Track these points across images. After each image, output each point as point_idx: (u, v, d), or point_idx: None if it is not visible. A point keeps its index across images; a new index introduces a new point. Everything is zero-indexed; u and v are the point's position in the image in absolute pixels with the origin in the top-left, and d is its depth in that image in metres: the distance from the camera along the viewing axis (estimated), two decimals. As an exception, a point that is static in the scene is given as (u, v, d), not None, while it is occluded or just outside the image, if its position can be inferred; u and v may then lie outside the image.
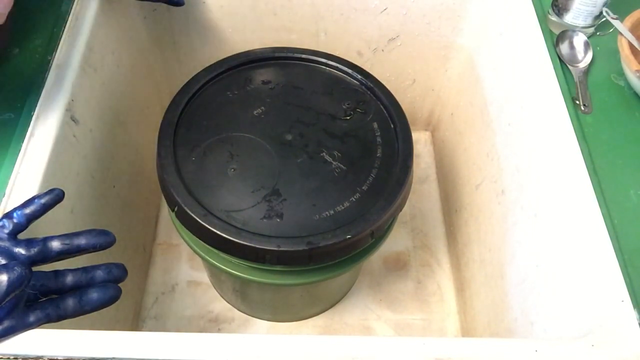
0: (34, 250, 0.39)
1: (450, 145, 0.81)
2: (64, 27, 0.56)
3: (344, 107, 0.57)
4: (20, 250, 0.39)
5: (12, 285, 0.35)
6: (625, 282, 0.42)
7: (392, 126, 0.56)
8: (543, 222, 0.51)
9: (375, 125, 0.56)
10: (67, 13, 0.58)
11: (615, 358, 0.39)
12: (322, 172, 0.52)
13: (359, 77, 0.59)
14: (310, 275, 0.52)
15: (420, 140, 0.91)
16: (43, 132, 0.49)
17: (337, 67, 0.60)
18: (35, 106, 0.50)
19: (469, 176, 0.71)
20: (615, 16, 0.56)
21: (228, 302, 0.75)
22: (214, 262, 0.53)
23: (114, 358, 0.38)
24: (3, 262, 0.38)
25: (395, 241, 0.80)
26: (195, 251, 0.54)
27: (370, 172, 0.52)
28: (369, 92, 0.58)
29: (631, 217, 0.47)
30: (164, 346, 0.39)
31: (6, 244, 0.39)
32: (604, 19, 0.58)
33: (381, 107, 0.57)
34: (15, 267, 0.35)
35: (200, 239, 0.49)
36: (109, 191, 0.62)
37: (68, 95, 0.52)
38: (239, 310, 0.74)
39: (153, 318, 0.74)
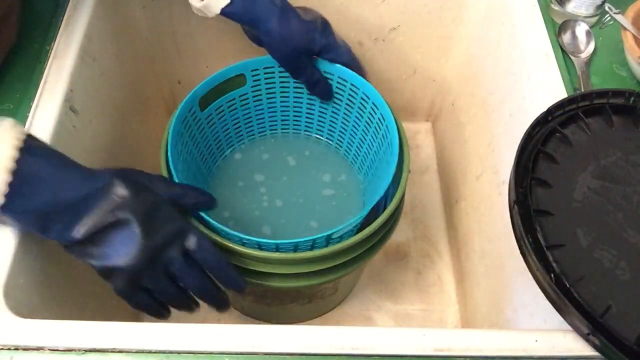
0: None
1: (451, 136, 0.81)
2: (63, 17, 0.56)
3: None
4: None
5: None
6: (626, 273, 0.42)
7: None
8: (544, 213, 0.51)
9: None
10: (66, 2, 0.57)
11: (615, 349, 0.39)
12: None
13: None
14: (310, 279, 0.51)
15: (421, 131, 0.91)
16: (42, 123, 0.49)
17: None
18: (34, 96, 0.50)
19: (470, 167, 0.71)
20: (617, 11, 0.55)
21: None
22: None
23: (114, 348, 0.38)
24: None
25: (396, 232, 0.79)
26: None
27: None
28: None
29: (632, 208, 0.46)
30: (165, 337, 0.39)
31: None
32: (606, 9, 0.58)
33: None
34: None
35: None
36: (109, 182, 0.62)
37: (67, 85, 0.51)
38: (235, 309, 0.74)
39: (154, 308, 0.74)
